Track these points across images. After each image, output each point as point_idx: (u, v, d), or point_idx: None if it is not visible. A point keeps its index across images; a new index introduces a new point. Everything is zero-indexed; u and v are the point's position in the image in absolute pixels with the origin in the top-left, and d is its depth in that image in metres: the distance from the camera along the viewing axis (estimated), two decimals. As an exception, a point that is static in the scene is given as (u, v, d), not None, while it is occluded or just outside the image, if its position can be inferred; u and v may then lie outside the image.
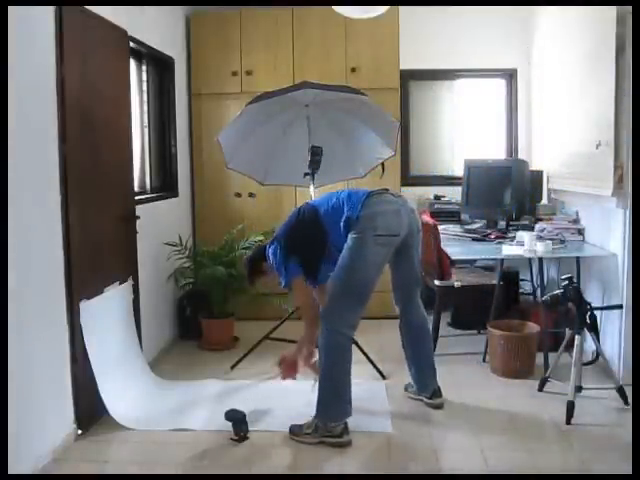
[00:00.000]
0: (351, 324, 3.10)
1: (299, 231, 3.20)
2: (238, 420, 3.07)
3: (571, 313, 3.36)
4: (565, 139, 4.42)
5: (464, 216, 4.94)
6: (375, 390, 3.65)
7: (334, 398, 3.04)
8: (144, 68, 4.43)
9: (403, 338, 3.50)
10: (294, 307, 3.26)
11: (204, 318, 4.53)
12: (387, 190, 3.22)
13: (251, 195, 5.10)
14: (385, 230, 3.05)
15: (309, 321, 3.21)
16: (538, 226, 4.21)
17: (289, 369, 3.33)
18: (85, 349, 3.14)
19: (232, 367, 4.03)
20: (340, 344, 3.06)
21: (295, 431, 3.07)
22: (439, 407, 3.39)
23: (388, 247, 3.11)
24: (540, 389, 3.55)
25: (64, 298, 3.00)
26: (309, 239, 3.18)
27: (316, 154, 3.83)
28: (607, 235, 3.83)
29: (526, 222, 4.48)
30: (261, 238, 4.57)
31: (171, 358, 4.33)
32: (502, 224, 4.62)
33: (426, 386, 3.43)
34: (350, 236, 3.05)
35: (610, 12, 3.48)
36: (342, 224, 3.10)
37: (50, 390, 2.87)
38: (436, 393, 3.41)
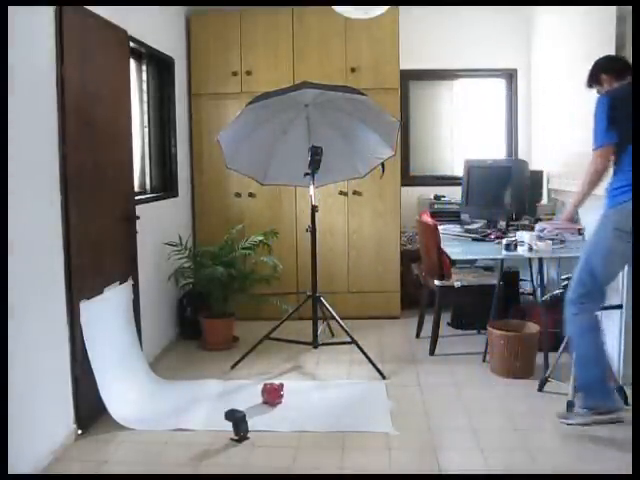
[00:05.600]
0: (589, 302, 3.06)
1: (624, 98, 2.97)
2: (238, 420, 3.07)
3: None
4: (565, 139, 4.41)
5: (464, 216, 4.94)
6: (375, 390, 3.64)
7: (596, 382, 3.07)
8: (144, 68, 4.43)
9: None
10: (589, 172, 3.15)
11: (204, 318, 4.53)
12: None
13: (251, 195, 5.10)
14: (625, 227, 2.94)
15: (589, 188, 3.17)
16: (538, 226, 4.21)
17: (272, 395, 3.45)
18: (85, 349, 3.14)
19: (232, 367, 4.03)
20: (585, 325, 3.06)
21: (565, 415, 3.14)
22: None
23: (623, 242, 2.97)
24: (540, 389, 3.55)
25: (64, 298, 3.00)
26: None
27: (316, 154, 3.83)
28: (607, 235, 3.82)
29: (526, 222, 4.48)
30: (261, 238, 4.58)
31: (171, 358, 4.33)
32: (502, 224, 4.62)
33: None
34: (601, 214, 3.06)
35: (610, 12, 3.49)
36: None
37: (50, 390, 2.87)
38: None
